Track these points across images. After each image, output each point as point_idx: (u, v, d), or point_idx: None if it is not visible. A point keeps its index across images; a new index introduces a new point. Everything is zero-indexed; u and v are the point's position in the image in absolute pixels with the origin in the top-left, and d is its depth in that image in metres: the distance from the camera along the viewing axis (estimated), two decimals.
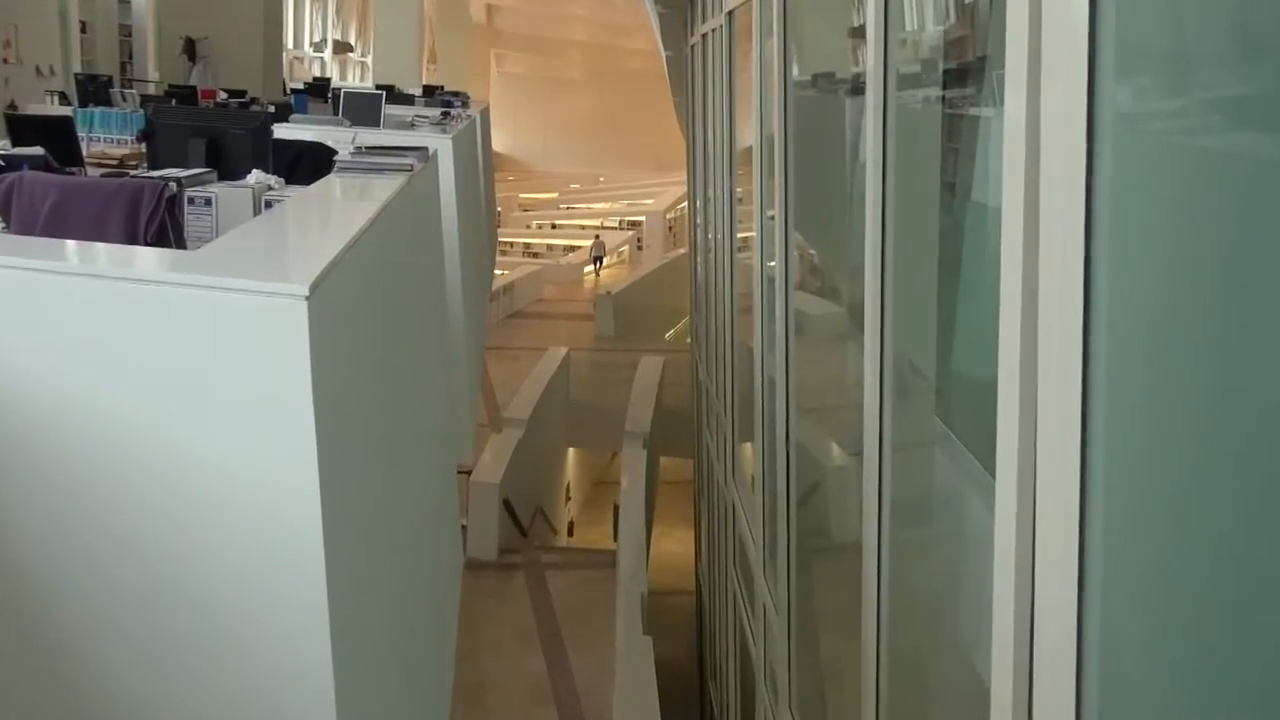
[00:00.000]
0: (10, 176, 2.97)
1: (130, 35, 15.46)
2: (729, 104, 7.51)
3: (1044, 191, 1.53)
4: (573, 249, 36.38)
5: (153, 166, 3.86)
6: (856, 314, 3.83)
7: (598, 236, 36.74)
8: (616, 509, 13.32)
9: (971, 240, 3.20)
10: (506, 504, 12.73)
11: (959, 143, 3.32)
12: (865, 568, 3.19)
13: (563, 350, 18.23)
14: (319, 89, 12.04)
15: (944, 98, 3.41)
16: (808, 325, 5.10)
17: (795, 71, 4.76)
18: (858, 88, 4.30)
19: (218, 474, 1.99)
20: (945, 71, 3.45)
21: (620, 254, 36.51)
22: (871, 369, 3.05)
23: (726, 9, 7.10)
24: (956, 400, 3.26)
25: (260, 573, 2.00)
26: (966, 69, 3.39)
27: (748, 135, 6.15)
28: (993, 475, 1.75)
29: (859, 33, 4.30)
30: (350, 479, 2.28)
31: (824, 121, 4.95)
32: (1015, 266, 1.60)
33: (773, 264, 5.03)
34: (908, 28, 3.22)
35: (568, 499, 19.35)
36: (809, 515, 4.95)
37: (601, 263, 34.48)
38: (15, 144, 4.59)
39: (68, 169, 3.99)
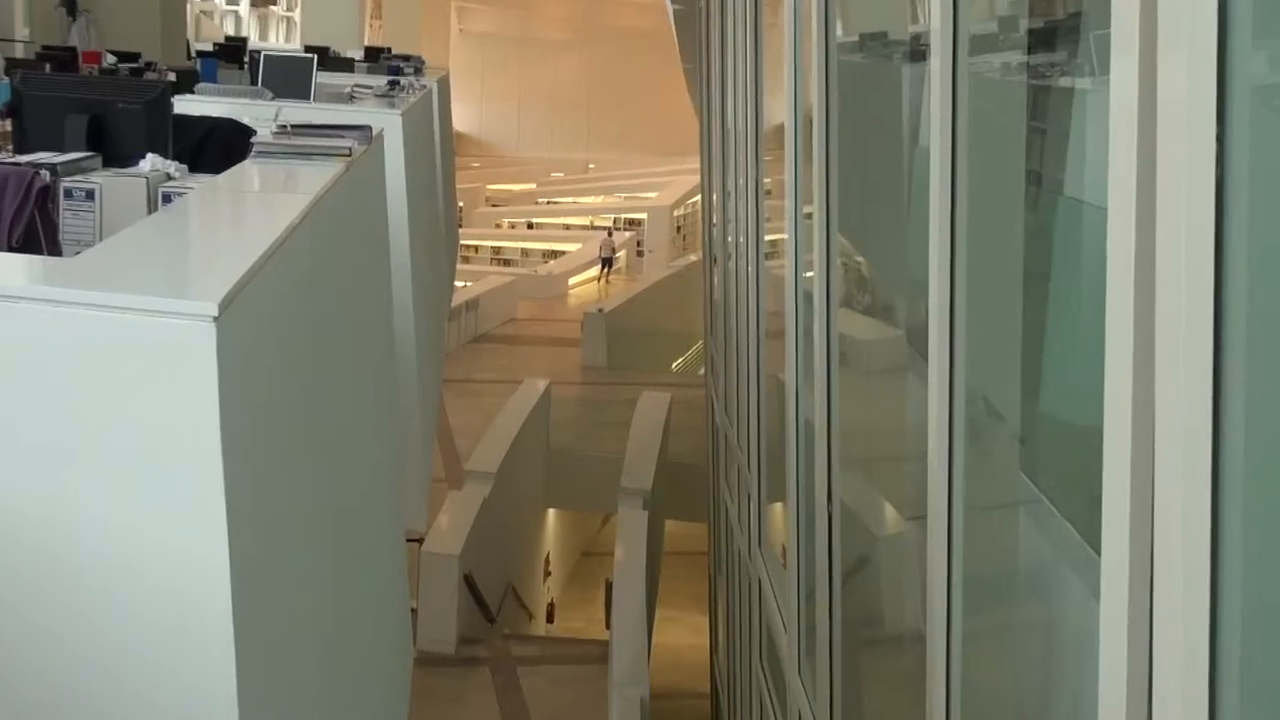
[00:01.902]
0: None
1: None
2: (755, 72, 7.54)
3: (1162, 184, 1.52)
4: (554, 254, 36.47)
5: (19, 150, 3.86)
6: (918, 339, 3.83)
7: (609, 233, 36.85)
8: (609, 587, 13.30)
9: (1065, 246, 3.20)
10: (468, 581, 12.69)
11: (1046, 122, 3.33)
12: (930, 666, 3.17)
13: (541, 384, 18.23)
14: (232, 52, 12.07)
15: (1028, 65, 3.42)
16: (855, 353, 5.09)
17: (839, 31, 4.78)
18: (917, 52, 4.33)
19: (96, 545, 1.97)
20: (1029, 33, 3.46)
21: (615, 261, 36.59)
22: (938, 410, 3.04)
23: None
24: (1047, 451, 3.24)
25: (151, 671, 1.98)
26: (1055, 29, 3.41)
27: (779, 111, 6.17)
28: (1096, 550, 1.74)
29: None
30: (269, 551, 2.26)
31: (874, 95, 4.97)
32: (1125, 280, 1.59)
33: (810, 275, 5.03)
34: None
35: (547, 574, 19.30)
36: (857, 597, 4.93)
37: (611, 266, 34.60)
38: None
39: None
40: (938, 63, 3.02)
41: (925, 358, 3.22)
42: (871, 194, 4.92)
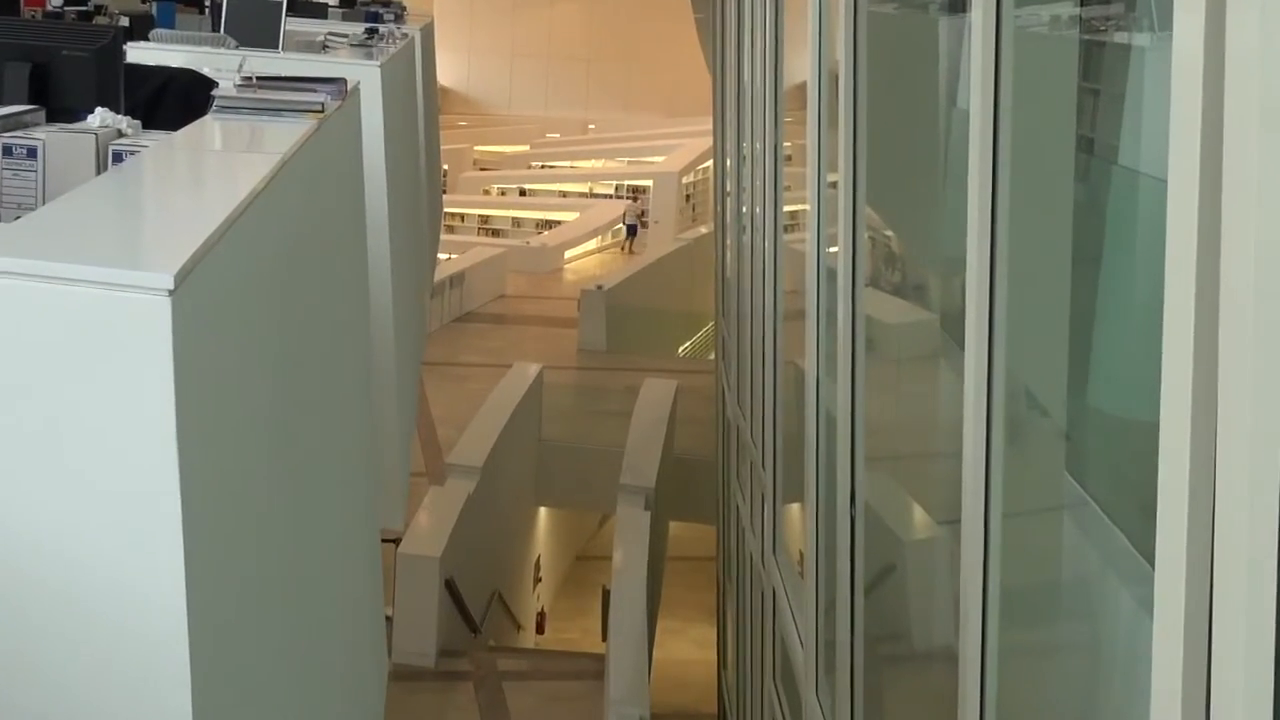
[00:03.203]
0: None
1: None
2: (775, 25, 7.54)
3: (1230, 153, 1.52)
4: (549, 224, 36.48)
5: None
6: (953, 324, 3.83)
7: (635, 197, 36.79)
8: (607, 595, 13.32)
9: (1119, 221, 3.20)
10: (450, 586, 12.73)
11: (1100, 82, 3.33)
12: (963, 686, 3.17)
13: (533, 369, 18.26)
14: None
15: (1079, 19, 3.42)
16: (883, 339, 5.10)
17: None
18: (956, 2, 4.33)
19: (37, 544, 1.97)
20: None
21: (616, 233, 36.59)
22: (975, 403, 3.05)
23: None
24: (1095, 450, 3.25)
25: (99, 680, 1.99)
26: None
27: (801, 68, 6.16)
28: (1149, 559, 1.74)
29: None
30: (228, 551, 2.27)
31: (907, 51, 4.96)
32: (1186, 259, 1.59)
33: (835, 250, 5.03)
34: None
35: (538, 580, 19.35)
36: (882, 609, 4.94)
37: (636, 234, 34.61)
38: None
39: None
40: (979, 14, 3.02)
41: (960, 344, 3.23)
42: (902, 161, 4.92)
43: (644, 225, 35.71)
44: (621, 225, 36.84)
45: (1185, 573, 1.59)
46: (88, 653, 2.01)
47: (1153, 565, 1.72)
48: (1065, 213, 3.23)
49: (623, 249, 34.55)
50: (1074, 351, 3.23)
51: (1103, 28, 3.38)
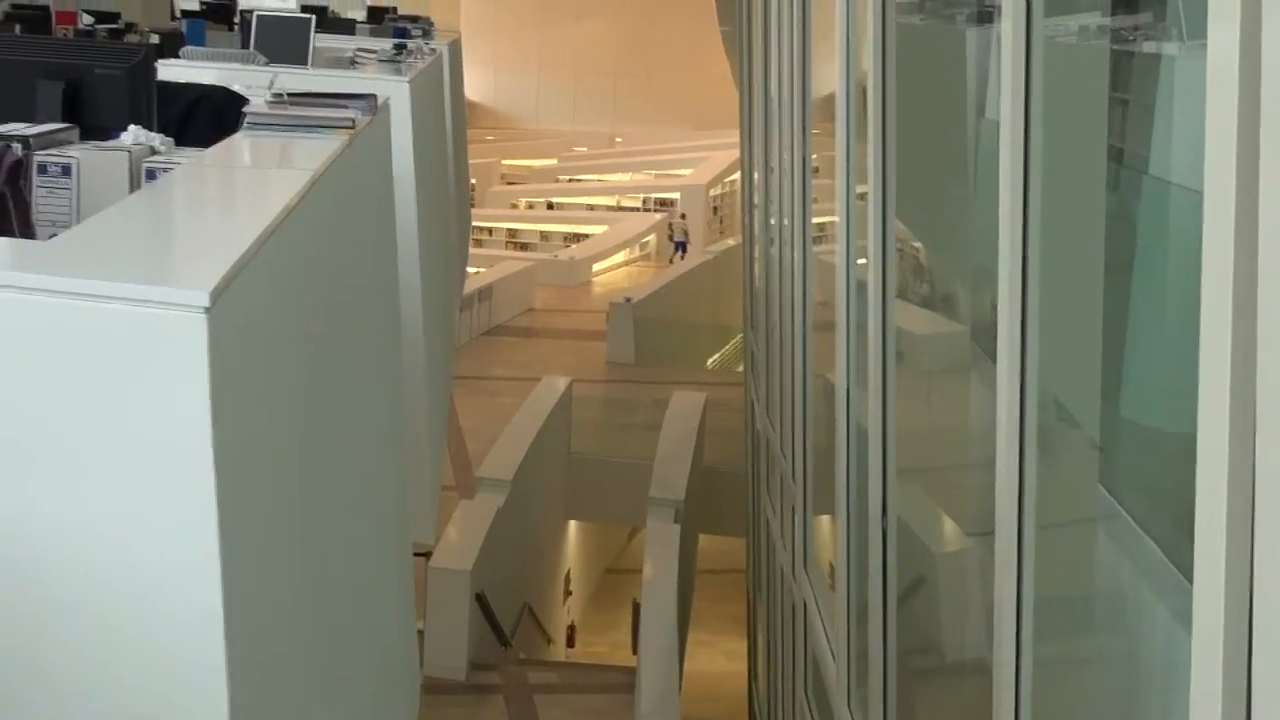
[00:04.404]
0: None
1: None
2: (802, 36, 7.54)
3: (1266, 161, 1.51)
4: (576, 237, 36.52)
5: None
6: (983, 335, 3.82)
7: (683, 215, 36.77)
8: (637, 608, 13.29)
9: (1150, 231, 3.19)
10: (481, 600, 12.73)
11: (1129, 92, 3.32)
12: (997, 697, 3.16)
13: (562, 382, 18.26)
14: (221, 11, 12.14)
15: (1108, 29, 3.41)
16: (912, 351, 5.09)
17: None
18: (983, 13, 4.32)
19: (76, 553, 1.98)
20: None
21: (644, 246, 36.60)
22: (1008, 415, 3.04)
23: None
24: (1129, 462, 3.23)
25: (134, 695, 2.00)
26: None
27: (828, 81, 6.16)
28: (1183, 571, 1.74)
29: None
30: (263, 565, 2.27)
31: (935, 62, 4.96)
32: (1223, 269, 1.58)
33: (864, 262, 5.03)
34: None
35: (568, 594, 19.34)
36: (914, 621, 4.92)
37: (685, 250, 34.56)
38: None
39: None
40: (1009, 25, 3.01)
41: (991, 356, 3.22)
42: (930, 172, 4.91)
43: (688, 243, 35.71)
44: (651, 239, 36.83)
45: (1224, 588, 1.58)
46: (126, 663, 2.02)
47: (1187, 577, 1.71)
48: (1096, 223, 3.22)
49: (671, 262, 34.48)
50: (1106, 362, 3.22)
51: (1131, 38, 3.38)
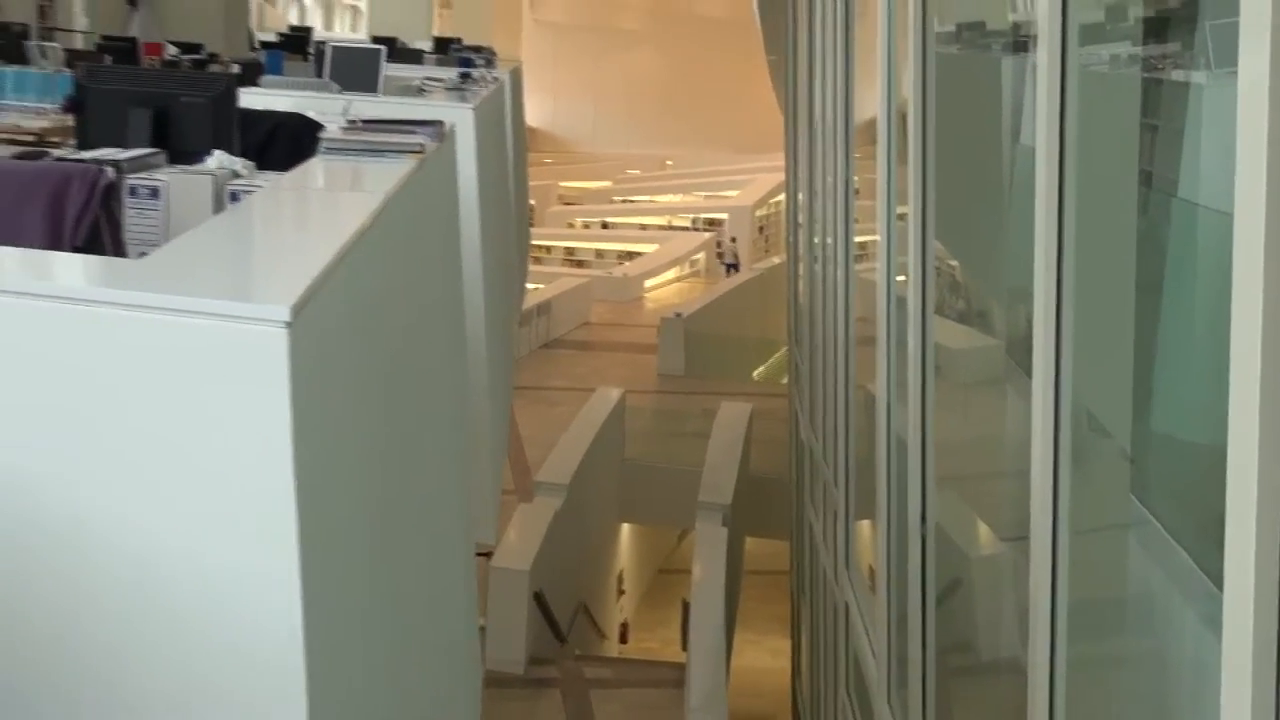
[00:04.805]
0: None
1: None
2: (845, 65, 7.52)
3: None
4: (630, 255, 36.53)
5: (83, 145, 3.92)
6: (1017, 350, 3.80)
7: (733, 239, 36.74)
8: (686, 607, 13.26)
9: (1180, 252, 3.17)
10: (539, 598, 12.74)
11: (1159, 118, 3.30)
12: (1032, 699, 3.14)
13: (615, 393, 18.25)
14: (297, 42, 12.24)
15: (1139, 58, 3.39)
16: (949, 364, 5.07)
17: (934, 22, 4.76)
18: (1018, 43, 4.30)
19: (164, 554, 1.99)
20: (1136, 21, 3.43)
21: (694, 263, 36.57)
22: (1042, 426, 3.02)
23: None
24: (1160, 472, 3.21)
25: (219, 694, 2.01)
26: (1166, 19, 3.37)
27: (871, 106, 6.15)
28: (1213, 579, 1.72)
29: None
30: (340, 567, 2.28)
31: (970, 89, 4.94)
32: (1252, 291, 1.57)
33: (904, 279, 5.01)
34: None
35: (620, 593, 19.32)
36: (951, 622, 4.89)
37: (736, 271, 34.52)
38: None
39: None
40: (1045, 54, 3.00)
41: (1025, 369, 3.20)
42: (967, 194, 4.89)
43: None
44: (700, 256, 36.79)
45: (1253, 594, 1.56)
46: (209, 664, 2.03)
47: (1215, 583, 1.70)
48: (1128, 243, 3.20)
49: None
50: (1137, 376, 3.20)
51: (1160, 66, 3.36)
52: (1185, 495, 3.07)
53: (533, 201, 28.93)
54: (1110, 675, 3.31)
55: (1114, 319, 3.22)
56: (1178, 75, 3.23)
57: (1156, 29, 3.41)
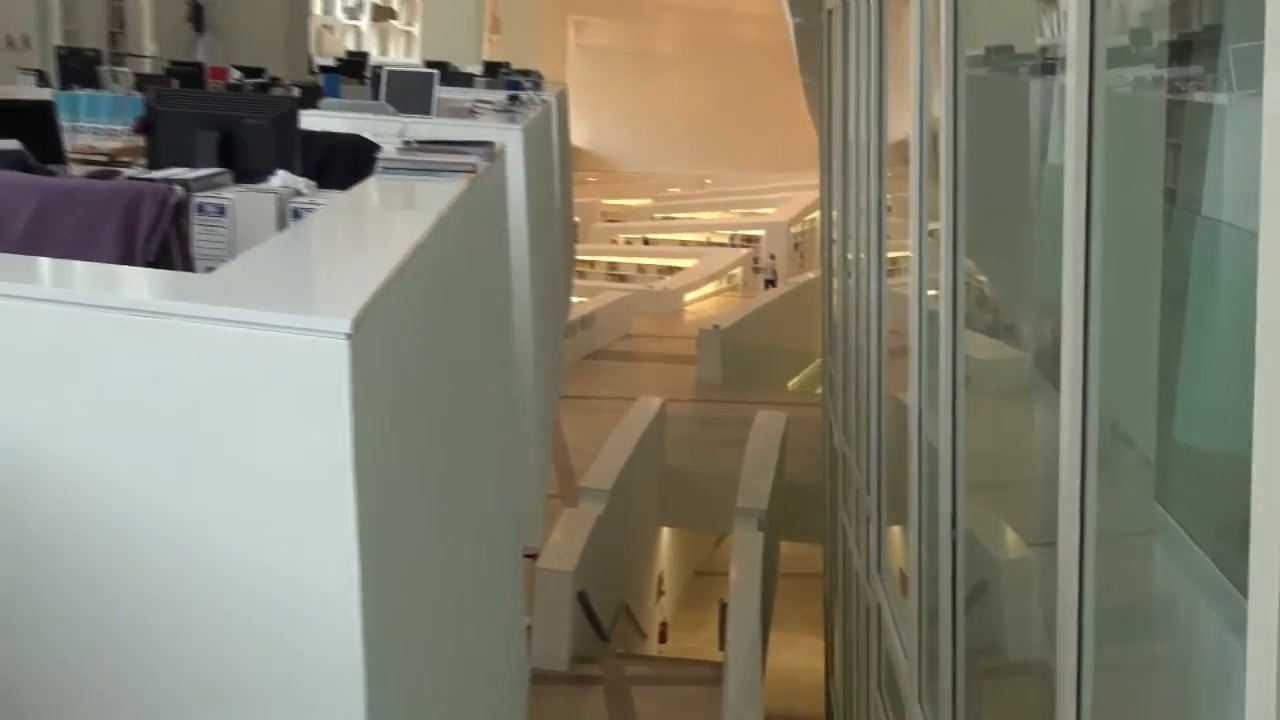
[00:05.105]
0: None
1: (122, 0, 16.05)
2: (878, 86, 7.51)
3: None
4: (670, 270, 36.53)
5: (153, 165, 3.97)
6: (1044, 362, 3.78)
7: (772, 256, 36.60)
8: (724, 608, 13.23)
9: (1203, 267, 3.15)
10: (582, 598, 12.73)
11: (1181, 139, 3.28)
12: (1060, 700, 3.11)
13: (656, 401, 18.23)
14: (353, 66, 12.34)
15: (1163, 80, 3.37)
16: (978, 375, 5.05)
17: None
18: (1045, 65, 4.28)
19: (228, 555, 2.01)
20: (1161, 45, 3.41)
21: (731, 277, 36.53)
22: (1070, 436, 3.00)
23: None
24: (1183, 481, 3.18)
25: (284, 690, 2.02)
26: (1189, 42, 3.36)
27: (903, 126, 6.13)
28: (1237, 585, 1.71)
29: None
30: (397, 569, 2.29)
31: (998, 110, 4.92)
32: (1275, 305, 1.56)
33: (934, 293, 4.99)
34: None
35: (660, 593, 19.28)
36: (979, 623, 4.87)
37: (774, 286, 34.41)
38: None
39: (47, 166, 4.11)
40: (1074, 76, 2.99)
41: (1051, 380, 3.18)
42: (995, 211, 4.87)
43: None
44: (737, 271, 36.73)
45: (1278, 595, 1.55)
46: (268, 660, 2.04)
47: (1239, 588, 1.69)
48: (1153, 259, 3.18)
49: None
50: (1162, 389, 3.18)
51: (1183, 88, 3.34)
52: (1209, 503, 3.05)
53: (577, 218, 28.94)
54: (1135, 678, 3.28)
55: (1139, 332, 3.20)
56: (1200, 97, 3.21)
57: (1180, 52, 3.39)
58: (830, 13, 11.02)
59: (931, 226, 5.24)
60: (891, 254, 7.51)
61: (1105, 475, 3.07)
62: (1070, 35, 3.00)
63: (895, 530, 7.11)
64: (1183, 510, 3.16)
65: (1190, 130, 3.24)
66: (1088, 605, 3.01)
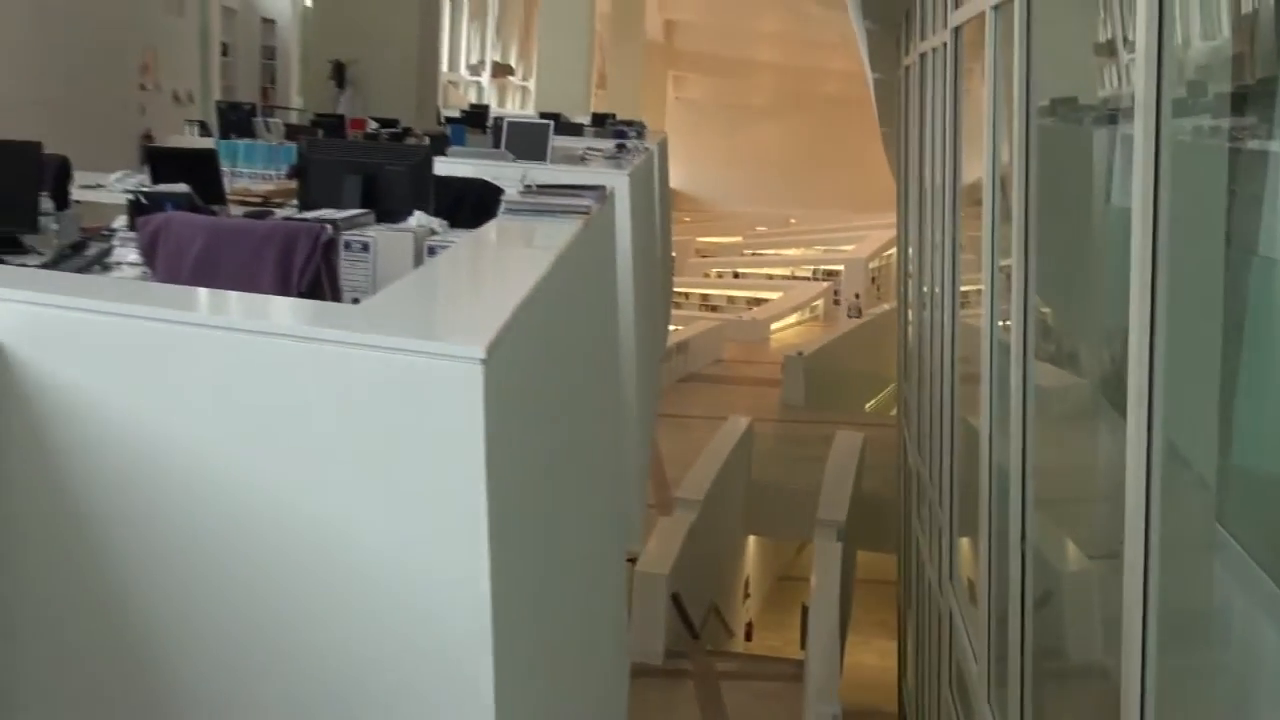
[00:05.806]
0: (158, 218, 3.16)
1: (273, 58, 16.39)
2: (952, 135, 7.45)
3: None
4: (757, 301, 36.43)
5: (304, 206, 4.04)
6: (1107, 388, 3.71)
7: (857, 295, 36.11)
8: (805, 610, 13.14)
9: (1261, 303, 3.08)
10: (675, 599, 12.71)
11: (1238, 184, 3.22)
12: (1125, 702, 3.05)
13: (744, 420, 18.18)
14: (476, 117, 12.47)
15: (1221, 129, 3.31)
16: (1041, 399, 4.97)
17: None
18: (1108, 115, 4.21)
19: (372, 561, 2.03)
20: (1218, 96, 3.35)
21: (814, 309, 36.34)
22: (1135, 457, 2.94)
23: (952, 25, 7.07)
24: (1242, 502, 3.11)
25: (417, 684, 2.04)
26: (1245, 93, 3.29)
27: (976, 170, 6.07)
28: None
29: (1108, 49, 4.22)
30: (523, 574, 2.30)
31: (1062, 156, 4.86)
32: None
33: (1004, 324, 4.93)
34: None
35: (746, 596, 19.19)
36: (1045, 630, 4.78)
37: (859, 317, 34.10)
38: (155, 179, 4.88)
39: (211, 206, 4.21)
40: (1141, 124, 2.94)
41: (1113, 404, 3.13)
42: (1058, 249, 4.81)
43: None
44: (819, 303, 36.54)
45: None
46: (405, 659, 2.06)
47: None
48: (1215, 296, 3.12)
49: None
50: (1223, 416, 3.11)
51: (1239, 136, 3.28)
52: (1267, 524, 2.97)
53: (674, 254, 29.00)
54: (1198, 685, 3.20)
55: (1200, 361, 3.14)
56: (1254, 144, 3.15)
57: (1237, 104, 3.33)
58: (907, 69, 10.97)
59: (1003, 263, 5.18)
60: (964, 288, 7.44)
61: (1168, 495, 3.01)
62: (1139, 87, 2.95)
63: (965, 542, 7.02)
64: (1243, 530, 3.09)
65: (1246, 175, 3.18)
66: (1152, 617, 2.95)
